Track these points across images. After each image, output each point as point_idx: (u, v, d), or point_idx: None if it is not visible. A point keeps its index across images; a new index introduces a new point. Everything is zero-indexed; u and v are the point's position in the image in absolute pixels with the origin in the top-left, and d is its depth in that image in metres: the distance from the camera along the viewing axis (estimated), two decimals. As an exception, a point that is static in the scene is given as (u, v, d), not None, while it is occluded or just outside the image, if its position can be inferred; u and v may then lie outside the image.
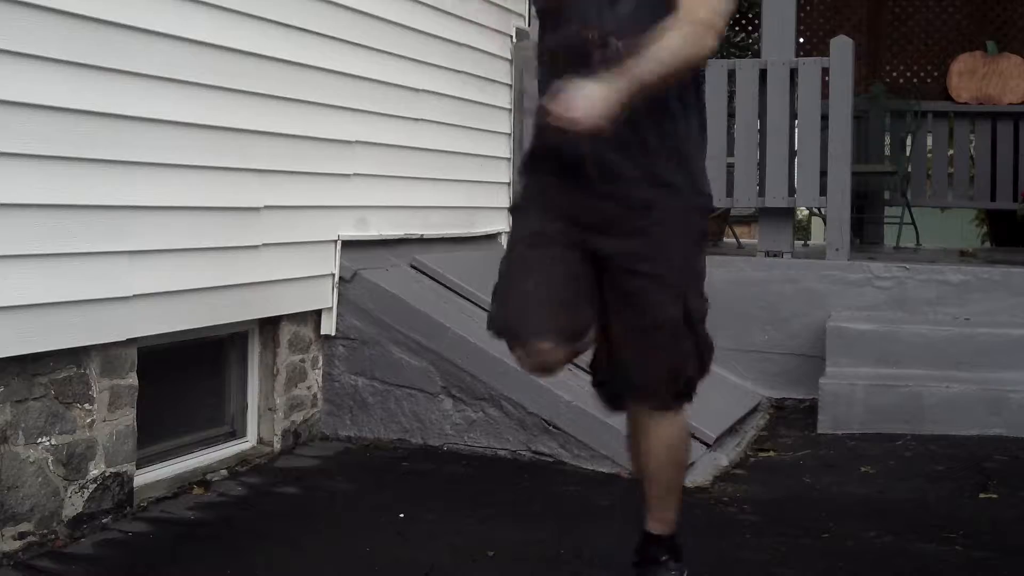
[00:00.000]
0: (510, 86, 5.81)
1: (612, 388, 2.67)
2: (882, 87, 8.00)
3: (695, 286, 2.56)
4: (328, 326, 4.48)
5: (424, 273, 4.85)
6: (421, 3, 4.98)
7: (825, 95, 5.67)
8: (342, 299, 4.50)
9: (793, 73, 5.68)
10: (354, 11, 4.48)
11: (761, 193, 5.80)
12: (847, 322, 5.28)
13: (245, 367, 4.26)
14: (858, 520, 3.59)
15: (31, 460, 3.11)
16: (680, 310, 2.50)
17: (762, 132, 5.77)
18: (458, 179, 5.27)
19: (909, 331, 5.15)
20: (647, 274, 2.48)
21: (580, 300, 2.54)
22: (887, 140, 7.98)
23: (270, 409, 4.28)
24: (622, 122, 2.35)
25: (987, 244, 9.50)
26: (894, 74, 8.52)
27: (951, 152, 8.13)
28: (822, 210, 5.98)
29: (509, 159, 5.70)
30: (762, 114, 5.75)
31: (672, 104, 2.50)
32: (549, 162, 2.56)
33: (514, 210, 2.73)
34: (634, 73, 2.30)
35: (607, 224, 2.50)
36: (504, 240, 2.78)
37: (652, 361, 2.52)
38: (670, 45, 2.32)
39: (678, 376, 2.56)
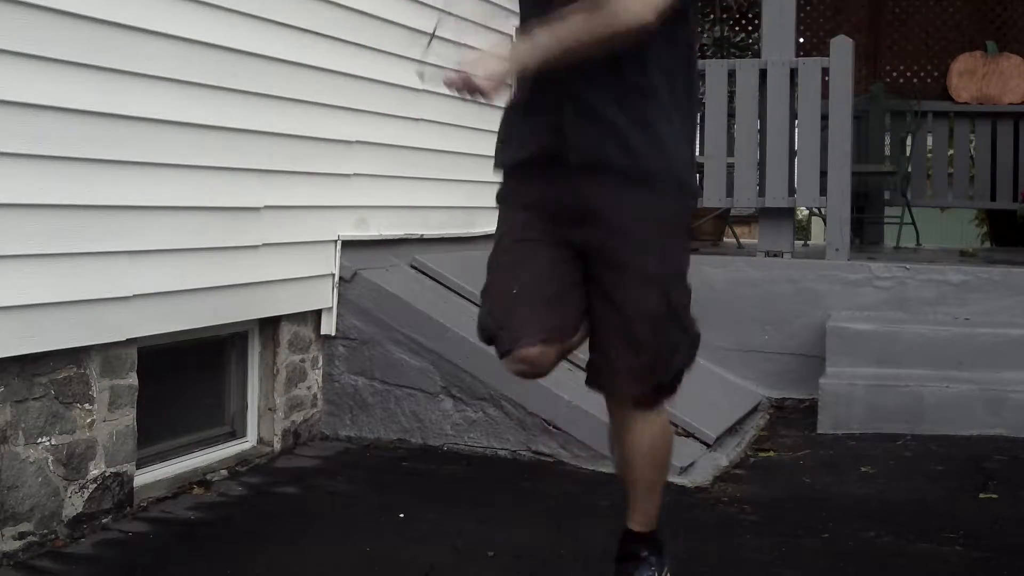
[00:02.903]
0: (511, 86, 5.80)
1: (595, 383, 2.63)
2: (882, 87, 8.00)
3: (676, 279, 2.53)
4: (328, 326, 4.48)
5: (424, 273, 4.85)
6: (421, 3, 4.97)
7: (825, 95, 5.67)
8: (342, 299, 4.50)
9: (793, 73, 5.69)
10: (354, 11, 4.48)
11: (761, 193, 5.80)
12: (847, 322, 5.28)
13: (245, 367, 4.26)
14: (858, 520, 3.59)
15: (31, 460, 3.11)
16: (662, 304, 2.46)
17: (762, 132, 5.78)
18: (458, 179, 5.27)
19: (909, 331, 5.15)
20: (624, 267, 2.45)
21: (566, 298, 2.52)
22: (887, 140, 7.98)
23: (270, 409, 4.28)
24: (603, 111, 2.39)
25: (987, 244, 9.50)
26: (894, 74, 8.53)
27: (951, 152, 8.13)
28: (822, 210, 5.98)
29: (509, 159, 5.68)
30: (762, 114, 5.75)
31: (658, 94, 2.47)
32: (524, 153, 2.56)
33: (500, 200, 2.72)
34: (547, 35, 2.34)
35: (583, 217, 2.49)
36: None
37: (632, 355, 2.48)
38: (590, 12, 2.33)
39: (658, 370, 2.51)
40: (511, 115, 2.64)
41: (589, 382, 2.66)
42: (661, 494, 2.73)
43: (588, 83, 2.44)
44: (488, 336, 2.58)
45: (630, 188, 2.46)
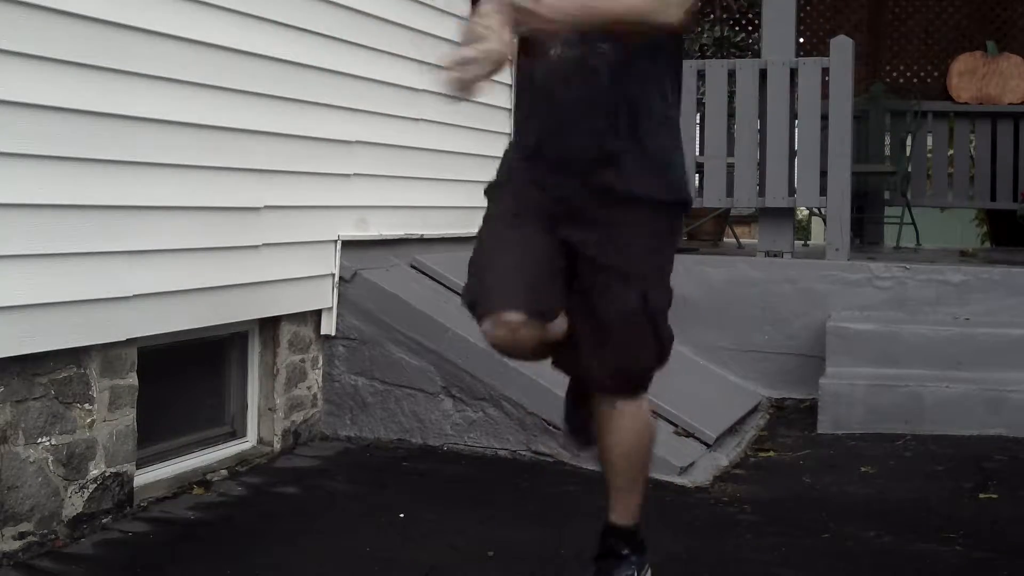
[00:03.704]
0: (510, 86, 5.80)
1: (562, 366, 2.69)
2: (882, 87, 8.00)
3: (658, 279, 2.56)
4: (328, 326, 4.48)
5: (424, 273, 4.85)
6: (421, 3, 4.98)
7: (825, 95, 5.68)
8: (342, 299, 4.50)
9: (793, 73, 5.69)
10: (354, 11, 4.48)
11: (761, 193, 5.80)
12: (847, 322, 5.28)
13: (245, 367, 4.26)
14: (858, 520, 3.59)
15: (31, 460, 3.11)
16: (640, 302, 2.51)
17: (762, 132, 5.78)
18: (458, 179, 5.27)
19: (909, 331, 5.15)
20: (607, 266, 2.50)
21: (552, 282, 2.53)
22: (887, 140, 7.98)
23: (270, 409, 4.28)
24: (601, 113, 2.44)
25: (987, 244, 9.50)
26: (894, 74, 8.52)
27: (951, 152, 8.13)
28: (822, 210, 5.98)
29: (509, 159, 5.69)
30: (762, 114, 5.75)
31: (652, 99, 2.52)
32: (526, 150, 2.61)
33: (490, 190, 2.72)
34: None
35: (584, 219, 2.52)
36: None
37: (609, 352, 2.53)
38: None
39: (635, 368, 2.57)
40: (541, 103, 2.59)
41: (555, 363, 2.71)
42: (645, 488, 2.72)
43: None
44: (472, 300, 2.58)
45: (638, 205, 2.51)
